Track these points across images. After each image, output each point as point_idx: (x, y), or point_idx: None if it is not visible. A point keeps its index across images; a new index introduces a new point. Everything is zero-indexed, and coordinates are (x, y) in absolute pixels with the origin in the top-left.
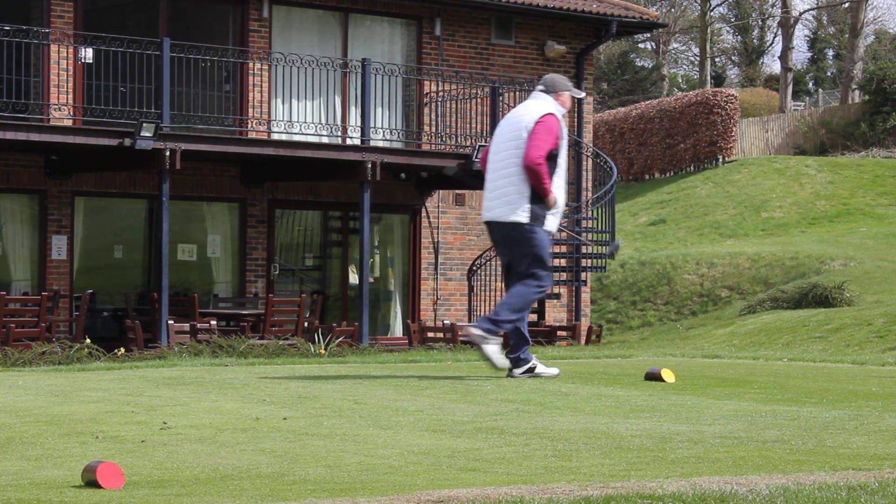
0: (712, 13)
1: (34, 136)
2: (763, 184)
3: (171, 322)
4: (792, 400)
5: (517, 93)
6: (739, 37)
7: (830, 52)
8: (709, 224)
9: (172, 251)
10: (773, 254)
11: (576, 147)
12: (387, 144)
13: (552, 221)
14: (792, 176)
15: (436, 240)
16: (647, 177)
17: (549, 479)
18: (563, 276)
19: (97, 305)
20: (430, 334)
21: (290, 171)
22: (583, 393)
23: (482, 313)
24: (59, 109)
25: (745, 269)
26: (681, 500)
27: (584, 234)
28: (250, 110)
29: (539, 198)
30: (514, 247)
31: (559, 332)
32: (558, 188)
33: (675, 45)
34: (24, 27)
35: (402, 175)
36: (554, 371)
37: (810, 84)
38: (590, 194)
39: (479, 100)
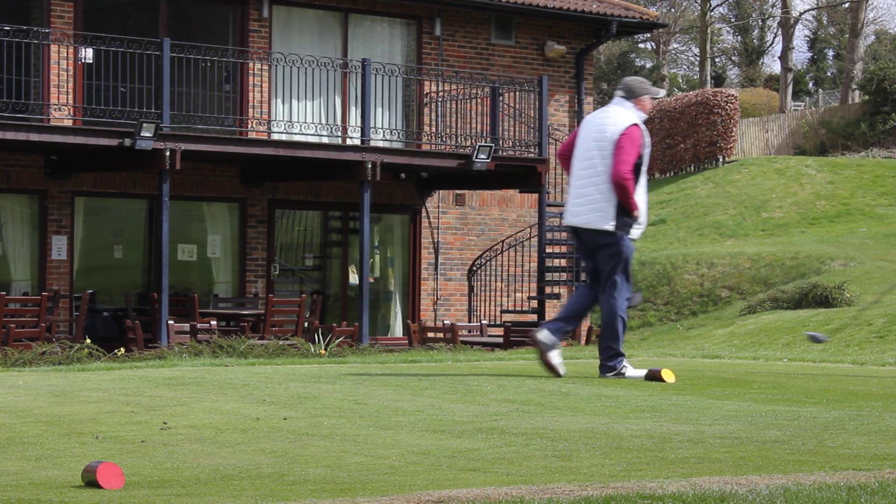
0: (712, 13)
1: (34, 136)
2: (763, 184)
3: (171, 322)
4: (792, 400)
5: (517, 93)
6: (739, 37)
7: (830, 53)
8: (709, 224)
9: (172, 251)
10: (773, 254)
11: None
12: (387, 144)
13: (637, 231)
14: (792, 176)
15: (436, 240)
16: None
17: (549, 479)
18: (563, 276)
19: (97, 305)
20: (431, 334)
21: (290, 171)
22: (583, 393)
23: (482, 313)
24: (59, 109)
25: (745, 269)
26: (681, 500)
27: None
28: (250, 110)
29: (623, 206)
30: (599, 253)
31: None
32: (641, 195)
33: (675, 45)
34: (24, 27)
35: (402, 175)
36: (641, 373)
37: (810, 84)
38: None
39: (479, 100)
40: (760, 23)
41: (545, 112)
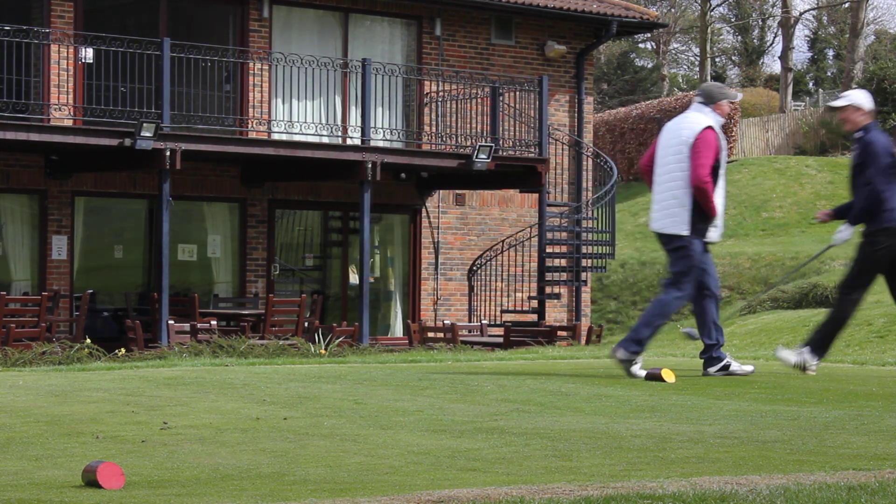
0: (712, 13)
1: (34, 136)
2: (763, 184)
3: (171, 322)
4: (792, 400)
5: (517, 93)
6: (739, 37)
7: (830, 52)
8: None
9: (172, 251)
10: (774, 254)
11: (576, 147)
12: (387, 144)
13: (714, 233)
14: (792, 176)
15: (436, 240)
16: None
17: (549, 479)
18: (564, 276)
19: (97, 305)
20: (431, 334)
21: (290, 171)
22: (583, 393)
23: (482, 313)
24: (60, 109)
25: (745, 269)
26: (681, 500)
27: (584, 235)
28: (250, 110)
29: (700, 209)
30: (670, 256)
31: (559, 332)
32: (719, 198)
33: (675, 45)
34: (25, 27)
35: (402, 175)
36: (749, 368)
37: (810, 84)
38: (590, 194)
39: (479, 100)
40: (760, 23)
41: (545, 112)
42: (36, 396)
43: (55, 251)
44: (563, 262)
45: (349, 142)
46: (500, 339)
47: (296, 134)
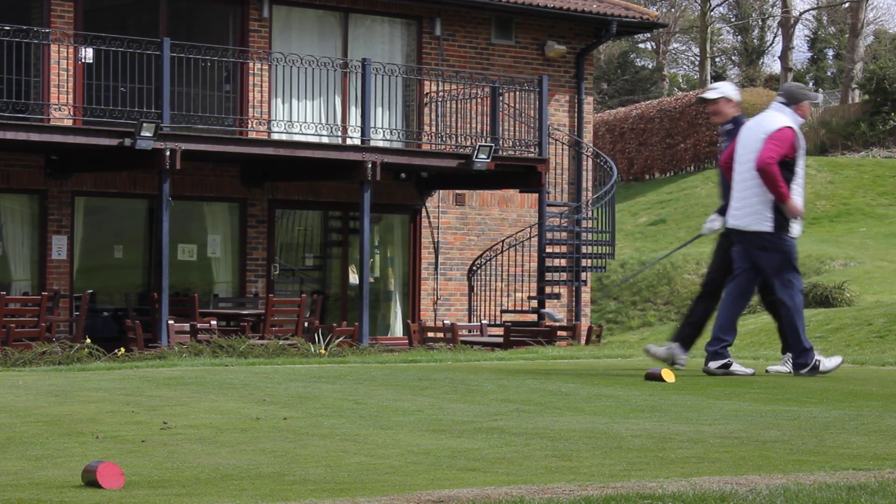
0: (712, 13)
1: (34, 136)
2: None
3: (171, 322)
4: (792, 400)
5: (517, 93)
6: (739, 37)
7: (830, 52)
8: None
9: (172, 251)
10: None
11: (576, 147)
12: (387, 144)
13: (797, 227)
14: None
15: (436, 240)
16: (647, 177)
17: (549, 479)
18: (563, 276)
19: (97, 305)
20: (431, 334)
21: (290, 171)
22: (583, 393)
23: (482, 313)
24: (59, 109)
25: None
26: (681, 500)
27: (584, 235)
28: (250, 110)
29: (775, 195)
30: (760, 256)
31: (559, 332)
32: (797, 195)
33: (675, 45)
34: (24, 27)
35: (402, 175)
36: (750, 371)
37: (810, 84)
38: (590, 194)
39: (479, 100)
40: (760, 23)
41: (545, 112)
42: (36, 396)
43: (55, 251)
44: (563, 262)
45: (349, 142)
46: (500, 339)
47: (296, 134)
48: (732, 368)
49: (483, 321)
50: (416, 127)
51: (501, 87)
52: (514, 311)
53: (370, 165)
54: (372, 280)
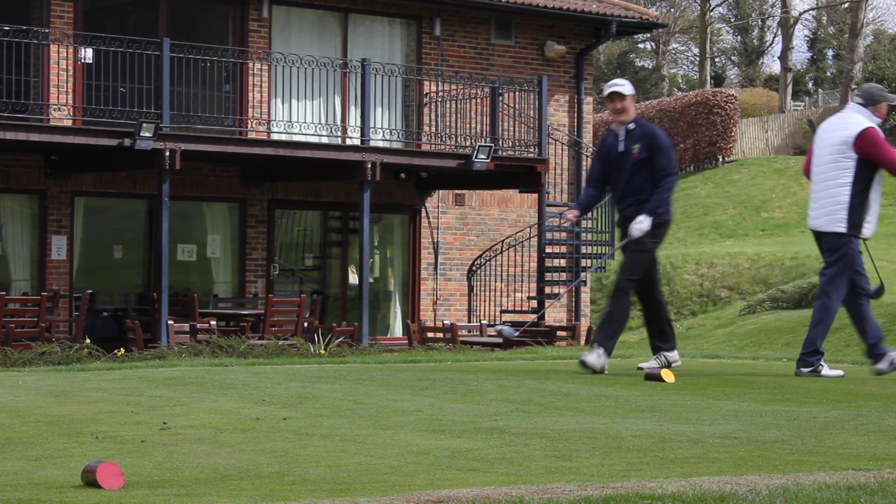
0: (712, 13)
1: (34, 136)
2: (763, 184)
3: (170, 322)
4: (792, 400)
5: (517, 93)
6: (739, 37)
7: (830, 53)
8: (709, 224)
9: (172, 251)
10: (773, 254)
11: (575, 147)
12: (386, 144)
13: (869, 228)
14: (792, 176)
15: (435, 240)
16: None
17: (549, 479)
18: (563, 276)
19: (97, 305)
20: (430, 334)
21: (289, 172)
22: (583, 393)
23: (482, 313)
24: (59, 109)
25: (744, 269)
26: (681, 500)
27: (583, 235)
28: (250, 110)
29: (856, 206)
30: (825, 254)
31: (559, 332)
32: (875, 195)
33: (674, 46)
34: (24, 27)
35: (402, 175)
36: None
37: (810, 84)
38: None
39: (478, 100)
40: (760, 23)
41: (545, 112)
42: (36, 396)
43: (55, 251)
44: (563, 262)
45: (349, 142)
46: (500, 340)
47: (295, 134)
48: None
49: (483, 321)
50: (415, 127)
51: (501, 87)
52: (514, 312)
53: (370, 165)
54: (371, 280)
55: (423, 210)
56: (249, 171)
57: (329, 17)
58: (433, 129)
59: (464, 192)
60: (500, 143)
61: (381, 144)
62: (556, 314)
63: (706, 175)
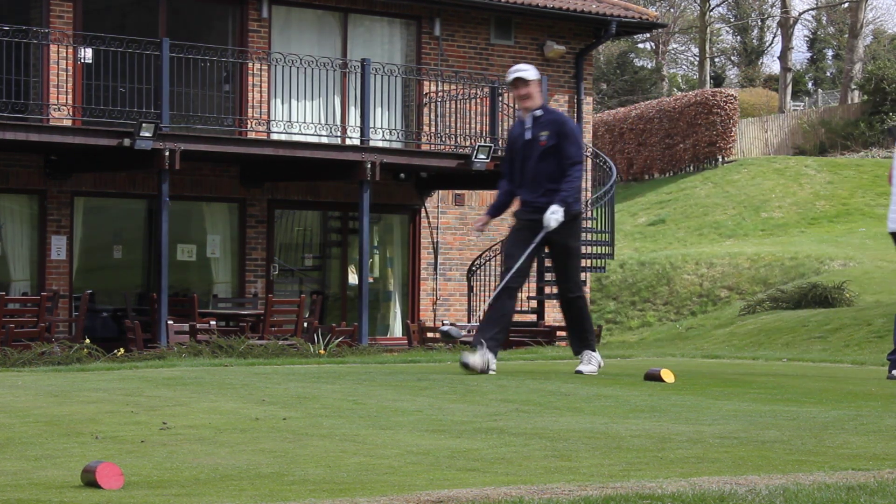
0: (712, 13)
1: (34, 136)
2: (762, 184)
3: (170, 322)
4: (791, 400)
5: None
6: (739, 37)
7: (830, 53)
8: (708, 224)
9: (172, 251)
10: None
11: None
12: (386, 144)
13: None
14: (791, 176)
15: (435, 240)
16: (646, 177)
17: (548, 479)
18: None
19: (97, 306)
20: (430, 334)
21: (289, 172)
22: (582, 393)
23: (482, 314)
24: (59, 109)
25: (744, 269)
26: (680, 500)
27: (583, 235)
28: (250, 110)
29: None
30: None
31: (559, 333)
32: None
33: (674, 46)
34: (24, 27)
35: (402, 175)
36: None
37: (810, 84)
38: (589, 194)
39: (478, 100)
40: (760, 23)
41: None
42: (35, 396)
43: (54, 251)
44: None
45: (348, 142)
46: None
47: (295, 134)
48: None
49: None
50: (415, 127)
51: (501, 87)
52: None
53: (369, 165)
54: (371, 280)
55: (423, 210)
56: (249, 171)
57: (329, 17)
58: (433, 129)
59: (463, 192)
60: (500, 142)
61: (380, 144)
62: (556, 314)
63: (706, 175)
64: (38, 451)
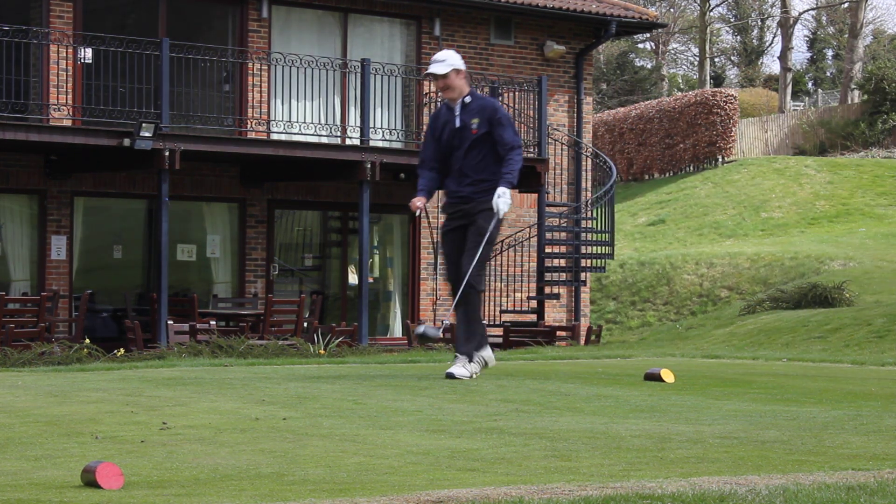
0: (712, 13)
1: (34, 136)
2: (762, 184)
3: (170, 322)
4: (791, 400)
5: (517, 93)
6: (739, 37)
7: (830, 53)
8: (708, 224)
9: (172, 251)
10: (773, 254)
11: (575, 147)
12: (386, 144)
13: None
14: (791, 176)
15: (435, 240)
16: (646, 177)
17: (548, 479)
18: (563, 276)
19: (97, 306)
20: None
21: (289, 172)
22: (582, 393)
23: (482, 313)
24: (59, 109)
25: (744, 269)
26: (680, 500)
27: (583, 235)
28: (250, 110)
29: None
30: None
31: (559, 333)
32: None
33: (674, 46)
34: (24, 27)
35: (402, 175)
36: None
37: (809, 84)
38: (589, 194)
39: None
40: (760, 23)
41: (544, 112)
42: (35, 396)
43: (54, 251)
44: (563, 262)
45: (348, 142)
46: (500, 340)
47: (295, 134)
48: None
49: (482, 322)
50: (415, 127)
51: (500, 87)
52: (514, 312)
53: (369, 165)
54: (371, 280)
55: (423, 210)
56: (249, 171)
57: (329, 17)
58: None
59: None
60: None
61: (380, 144)
62: (555, 314)
63: (706, 175)
64: (38, 451)
